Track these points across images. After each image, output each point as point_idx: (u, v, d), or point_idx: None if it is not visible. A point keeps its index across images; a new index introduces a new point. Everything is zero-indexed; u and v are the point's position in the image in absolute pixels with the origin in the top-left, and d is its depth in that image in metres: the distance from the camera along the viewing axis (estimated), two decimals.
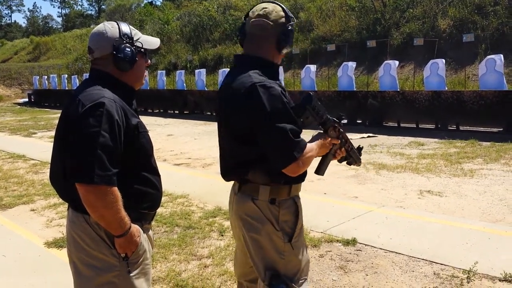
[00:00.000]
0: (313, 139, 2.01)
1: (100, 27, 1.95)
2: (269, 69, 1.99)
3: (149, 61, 2.06)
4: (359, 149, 2.31)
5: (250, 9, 2.04)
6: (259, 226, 1.94)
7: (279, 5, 2.01)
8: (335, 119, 2.08)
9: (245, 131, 1.90)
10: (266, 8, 1.99)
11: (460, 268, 3.53)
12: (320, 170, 2.14)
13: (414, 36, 15.20)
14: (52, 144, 1.97)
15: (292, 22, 2.02)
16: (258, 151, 1.90)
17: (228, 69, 12.57)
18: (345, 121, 12.15)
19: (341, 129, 2.10)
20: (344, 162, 2.30)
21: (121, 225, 1.77)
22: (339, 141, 2.10)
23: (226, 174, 2.09)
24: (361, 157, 2.34)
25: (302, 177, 2.00)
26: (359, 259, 3.81)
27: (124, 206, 1.76)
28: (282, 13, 1.99)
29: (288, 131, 1.83)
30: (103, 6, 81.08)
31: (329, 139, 2.04)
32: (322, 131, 2.06)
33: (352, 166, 2.37)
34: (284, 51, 2.04)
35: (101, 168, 1.68)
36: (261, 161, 1.91)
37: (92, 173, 1.67)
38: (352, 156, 2.26)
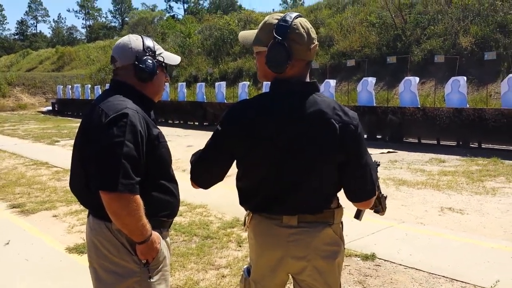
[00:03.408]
0: None
1: (125, 38, 2.01)
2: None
3: (168, 77, 2.12)
4: (385, 198, 2.31)
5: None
6: (338, 249, 1.90)
7: None
8: (375, 163, 2.11)
9: (340, 161, 1.81)
10: None
11: (481, 286, 3.49)
12: (359, 216, 2.13)
13: (435, 53, 15.12)
14: None
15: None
16: (342, 178, 1.86)
17: (248, 82, 12.13)
18: (364, 136, 12.10)
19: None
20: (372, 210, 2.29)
21: (142, 232, 1.81)
22: None
23: (292, 210, 1.84)
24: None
25: None
26: (378, 274, 3.78)
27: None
28: None
29: (374, 165, 1.89)
30: (126, 19, 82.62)
31: None
32: None
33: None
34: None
35: (125, 176, 1.72)
36: (339, 186, 1.90)
37: (116, 182, 1.70)
38: (381, 204, 2.25)
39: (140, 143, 1.79)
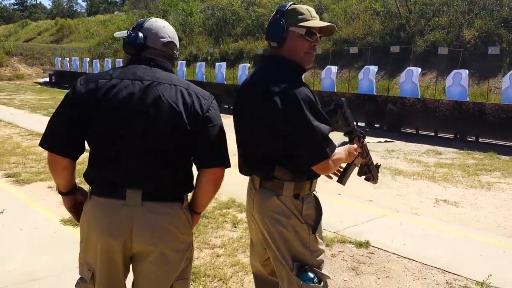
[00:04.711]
0: (340, 146, 2.06)
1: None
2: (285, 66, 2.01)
3: None
4: (377, 166, 2.38)
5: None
6: (285, 220, 2.00)
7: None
8: (361, 130, 2.16)
9: (278, 128, 1.92)
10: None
11: (473, 280, 3.50)
12: (342, 180, 2.20)
13: (438, 44, 15.03)
14: None
15: (288, 7, 2.00)
16: (286, 147, 1.93)
17: (248, 64, 12.78)
18: (362, 124, 12.12)
19: (364, 141, 2.18)
20: (363, 177, 2.37)
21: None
22: (361, 151, 2.18)
23: (248, 169, 2.13)
24: (378, 175, 2.41)
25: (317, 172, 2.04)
26: (371, 262, 3.80)
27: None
28: (289, 7, 2.01)
29: (322, 130, 1.87)
30: None
31: (355, 147, 2.11)
32: (346, 140, 2.14)
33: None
34: (272, 43, 2.02)
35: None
36: (288, 158, 1.96)
37: (228, 158, 1.94)
38: (372, 172, 2.34)
39: None
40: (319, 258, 2.06)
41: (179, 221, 1.89)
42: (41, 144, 1.88)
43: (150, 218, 1.83)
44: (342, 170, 2.24)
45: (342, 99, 2.02)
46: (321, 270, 2.04)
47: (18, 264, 3.52)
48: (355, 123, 2.14)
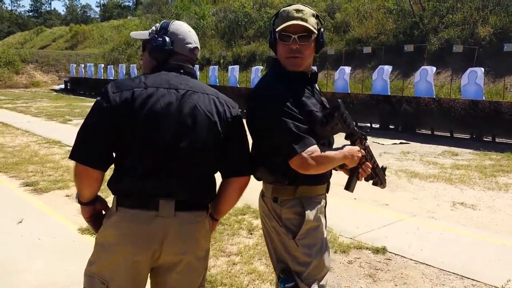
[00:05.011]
0: (337, 149, 1.99)
1: None
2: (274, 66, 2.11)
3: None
4: (383, 169, 2.26)
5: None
6: (268, 221, 2.11)
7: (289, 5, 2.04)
8: (362, 132, 2.08)
9: (253, 127, 2.06)
10: None
11: (492, 285, 3.46)
12: (349, 186, 2.09)
13: (452, 42, 14.87)
14: None
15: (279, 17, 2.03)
16: (263, 148, 2.02)
17: (261, 67, 12.89)
18: (377, 125, 12.03)
19: (366, 143, 2.10)
20: (370, 182, 2.24)
21: None
22: (364, 153, 2.07)
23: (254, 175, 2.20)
24: (385, 177, 2.29)
25: (312, 179, 1.97)
26: (389, 269, 3.77)
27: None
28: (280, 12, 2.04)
29: (290, 126, 1.88)
30: None
31: (358, 148, 2.02)
32: (348, 143, 2.04)
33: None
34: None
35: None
36: (265, 159, 2.02)
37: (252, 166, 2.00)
38: (378, 175, 2.21)
39: None
40: (303, 267, 2.00)
41: (204, 229, 1.89)
42: (73, 157, 1.77)
43: (183, 228, 1.81)
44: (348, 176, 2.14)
45: (339, 100, 1.94)
46: (304, 281, 1.98)
47: (37, 274, 3.57)
48: (354, 125, 2.07)
